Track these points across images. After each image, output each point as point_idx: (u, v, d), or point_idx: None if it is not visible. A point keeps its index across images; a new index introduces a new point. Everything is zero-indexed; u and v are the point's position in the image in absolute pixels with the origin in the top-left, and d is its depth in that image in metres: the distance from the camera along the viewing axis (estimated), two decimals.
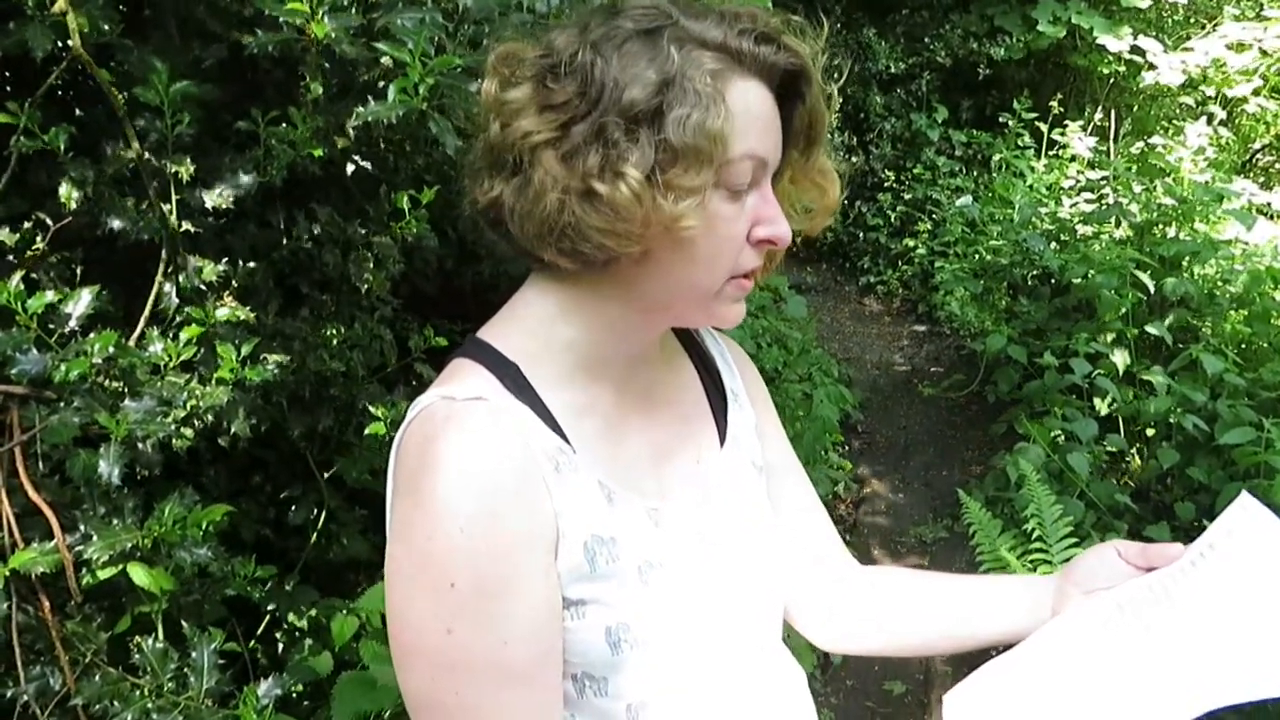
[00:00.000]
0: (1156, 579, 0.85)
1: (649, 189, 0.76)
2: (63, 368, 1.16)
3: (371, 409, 1.81)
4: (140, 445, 1.23)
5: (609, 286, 0.85)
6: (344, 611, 1.79)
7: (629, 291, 0.85)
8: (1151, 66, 6.37)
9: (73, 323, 1.23)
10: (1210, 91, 6.42)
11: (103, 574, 1.27)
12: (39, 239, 1.39)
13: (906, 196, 7.00)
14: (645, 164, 0.76)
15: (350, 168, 1.74)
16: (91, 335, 1.21)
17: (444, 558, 0.74)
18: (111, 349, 1.19)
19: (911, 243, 6.74)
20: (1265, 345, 3.86)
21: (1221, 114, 6.55)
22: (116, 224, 1.38)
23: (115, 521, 1.29)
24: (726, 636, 0.91)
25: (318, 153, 1.37)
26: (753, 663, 0.94)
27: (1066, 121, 6.47)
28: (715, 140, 0.76)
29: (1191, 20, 7.87)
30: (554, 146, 0.78)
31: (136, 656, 1.28)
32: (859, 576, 1.10)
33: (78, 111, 1.66)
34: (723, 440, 1.00)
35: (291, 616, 1.84)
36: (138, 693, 1.27)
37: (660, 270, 0.82)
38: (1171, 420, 3.58)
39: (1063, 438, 3.68)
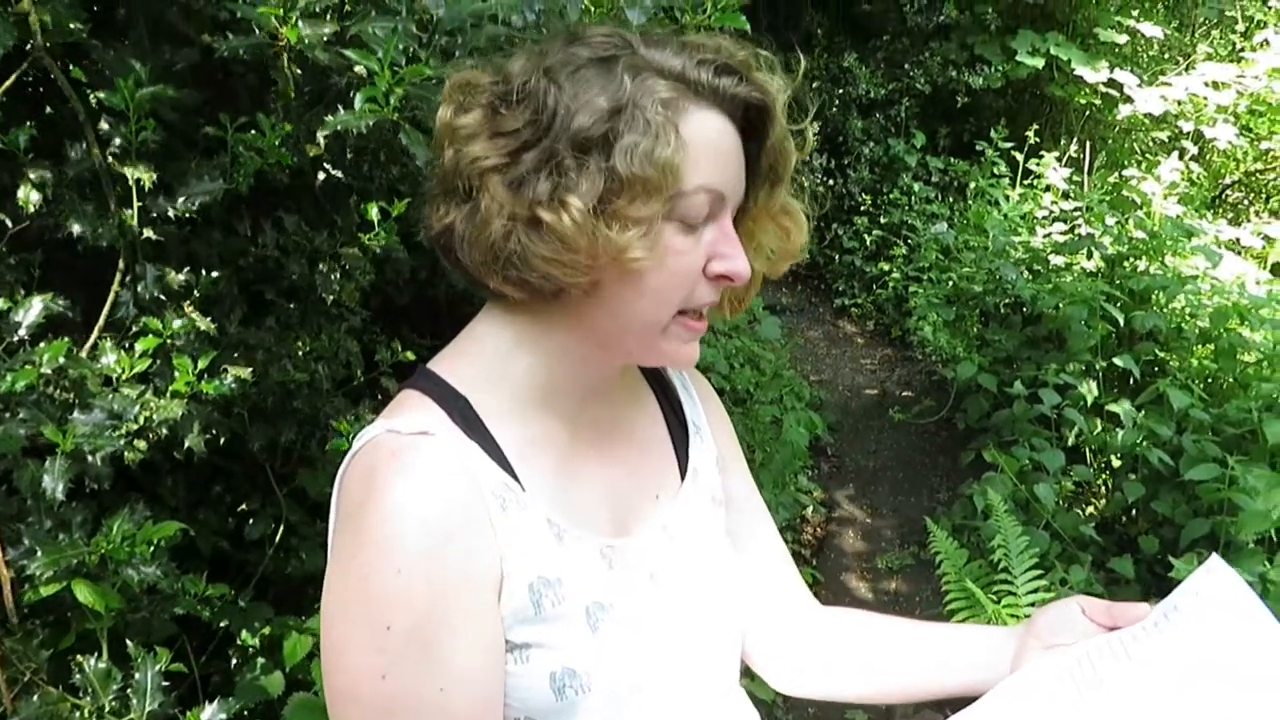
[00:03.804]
0: (1118, 638, 0.84)
1: (593, 219, 0.74)
2: (8, 378, 1.12)
3: (335, 423, 1.77)
4: (90, 459, 1.19)
5: (559, 318, 0.83)
6: (297, 630, 1.74)
7: (579, 324, 0.83)
8: (1128, 99, 6.45)
9: (22, 331, 1.19)
10: (1186, 126, 6.51)
11: (46, 590, 1.23)
12: None
13: (883, 221, 7.03)
14: (593, 193, 0.74)
15: (321, 176, 1.71)
16: (41, 345, 1.17)
17: (381, 599, 0.71)
18: (61, 359, 1.15)
19: (886, 267, 6.77)
20: (1230, 381, 3.89)
21: (1193, 150, 6.64)
22: (76, 229, 1.34)
23: (62, 536, 1.25)
24: (679, 681, 0.88)
25: (286, 160, 1.34)
26: (706, 708, 0.91)
27: (1042, 152, 6.54)
28: (665, 170, 0.74)
29: (1165, 57, 7.99)
30: (502, 172, 0.77)
31: (77, 676, 1.23)
32: (819, 620, 1.08)
33: (48, 109, 1.62)
34: (683, 475, 0.98)
35: (245, 634, 1.79)
36: (78, 714, 1.22)
37: (609, 302, 0.80)
38: (1137, 453, 3.60)
39: (1030, 467, 3.70)
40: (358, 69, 1.35)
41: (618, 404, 0.95)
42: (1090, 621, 0.88)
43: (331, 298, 1.56)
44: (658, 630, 0.87)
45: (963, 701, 0.89)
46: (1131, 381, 3.96)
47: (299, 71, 1.31)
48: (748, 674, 1.05)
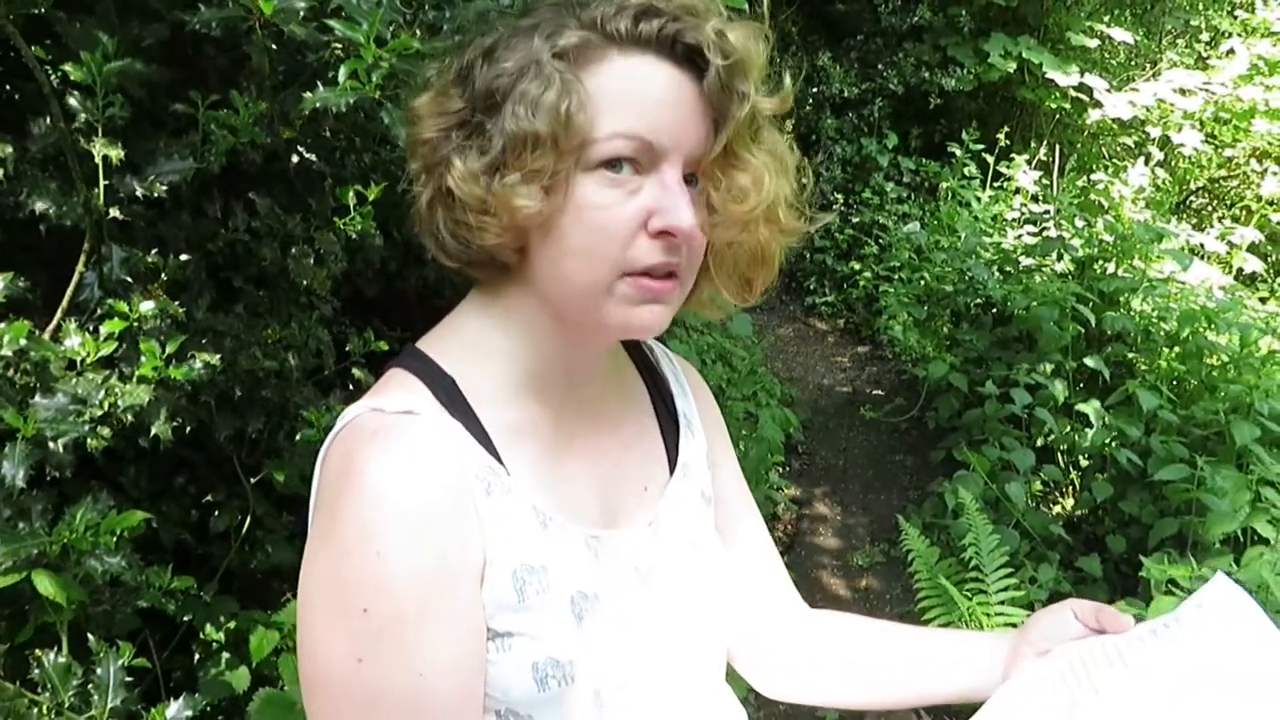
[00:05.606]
0: (1111, 642, 0.83)
1: (488, 177, 0.74)
2: None
3: (304, 413, 1.73)
4: (51, 445, 1.14)
5: (515, 290, 0.82)
6: (263, 624, 1.70)
7: (530, 294, 0.81)
8: (1097, 104, 6.51)
9: None
10: (1153, 132, 6.59)
11: (4, 581, 1.18)
12: None
13: (854, 220, 7.06)
14: (492, 151, 0.74)
15: (294, 159, 1.66)
16: (2, 326, 1.13)
17: (358, 582, 0.69)
18: (23, 341, 1.11)
19: (857, 266, 6.80)
20: (1197, 383, 3.94)
21: (1159, 155, 6.72)
22: (40, 207, 1.29)
23: (21, 525, 1.20)
24: (663, 675, 0.86)
25: (260, 139, 1.30)
26: (691, 704, 0.89)
27: (1012, 154, 6.59)
28: (554, 116, 0.71)
29: (1133, 63, 8.09)
30: (435, 148, 0.78)
31: (36, 671, 1.19)
32: (809, 622, 1.05)
33: (9, 86, 1.56)
34: (672, 468, 0.95)
35: (209, 628, 1.75)
36: (36, 710, 1.18)
37: (542, 266, 0.78)
38: (1106, 453, 3.63)
39: (1000, 466, 3.72)
40: (336, 48, 1.32)
41: (606, 393, 0.92)
42: (1082, 625, 0.87)
43: (305, 282, 1.52)
44: (643, 626, 0.85)
45: (946, 709, 0.87)
46: (1101, 382, 3.99)
47: (274, 48, 1.27)
48: (726, 673, 1.02)
